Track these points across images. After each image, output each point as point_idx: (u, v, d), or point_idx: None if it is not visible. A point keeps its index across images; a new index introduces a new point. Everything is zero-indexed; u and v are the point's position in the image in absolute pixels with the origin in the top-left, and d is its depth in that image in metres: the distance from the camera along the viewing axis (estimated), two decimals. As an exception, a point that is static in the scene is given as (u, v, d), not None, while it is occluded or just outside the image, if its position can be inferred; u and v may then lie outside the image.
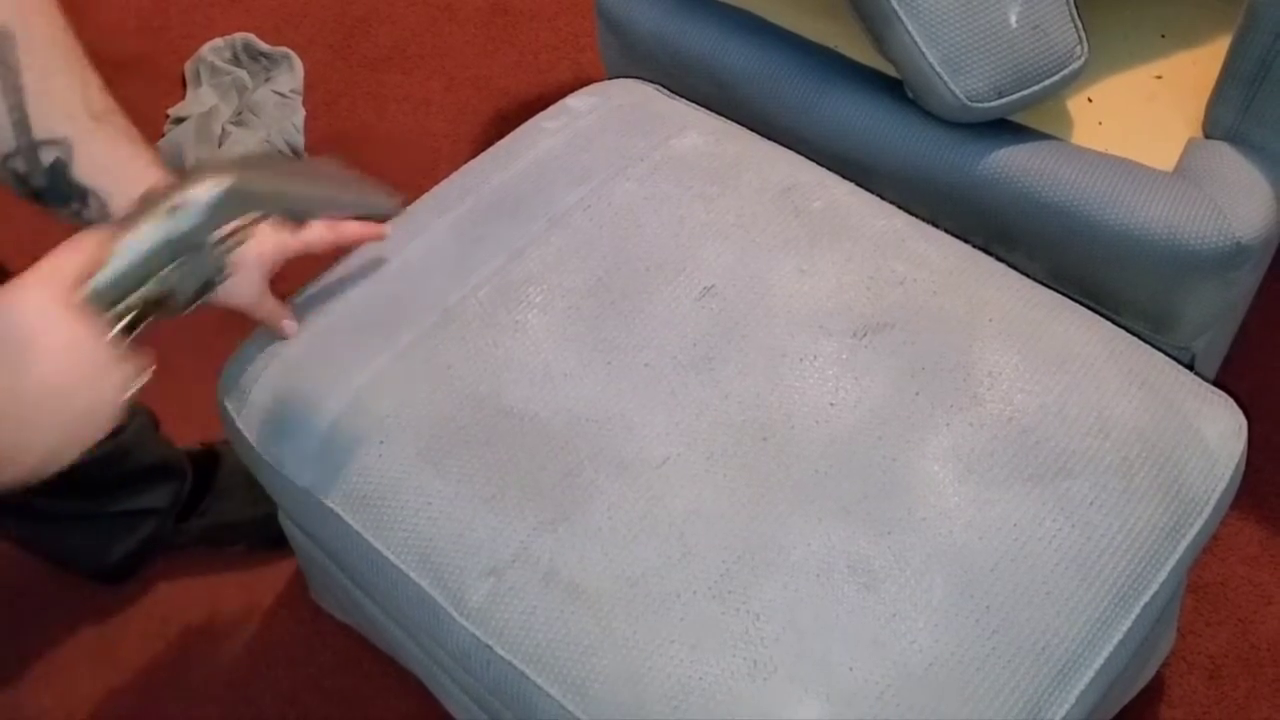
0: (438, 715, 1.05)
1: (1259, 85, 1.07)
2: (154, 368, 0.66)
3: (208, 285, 0.70)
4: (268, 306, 0.91)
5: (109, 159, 0.80)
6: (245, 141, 1.68)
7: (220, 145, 1.68)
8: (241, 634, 1.26)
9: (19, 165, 0.78)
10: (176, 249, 0.66)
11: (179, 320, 1.53)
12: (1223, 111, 1.11)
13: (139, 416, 1.23)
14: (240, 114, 1.74)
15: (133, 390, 0.65)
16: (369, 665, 1.21)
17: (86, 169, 0.79)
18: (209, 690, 1.22)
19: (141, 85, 1.84)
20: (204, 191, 0.66)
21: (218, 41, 1.84)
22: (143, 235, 0.65)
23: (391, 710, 1.19)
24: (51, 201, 0.80)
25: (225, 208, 0.67)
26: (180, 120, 1.72)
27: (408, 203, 0.91)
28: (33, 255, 0.63)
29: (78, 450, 0.62)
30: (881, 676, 0.72)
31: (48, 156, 0.78)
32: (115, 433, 1.19)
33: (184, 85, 1.82)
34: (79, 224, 0.79)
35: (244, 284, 0.87)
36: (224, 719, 1.21)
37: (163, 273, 0.66)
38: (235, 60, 1.82)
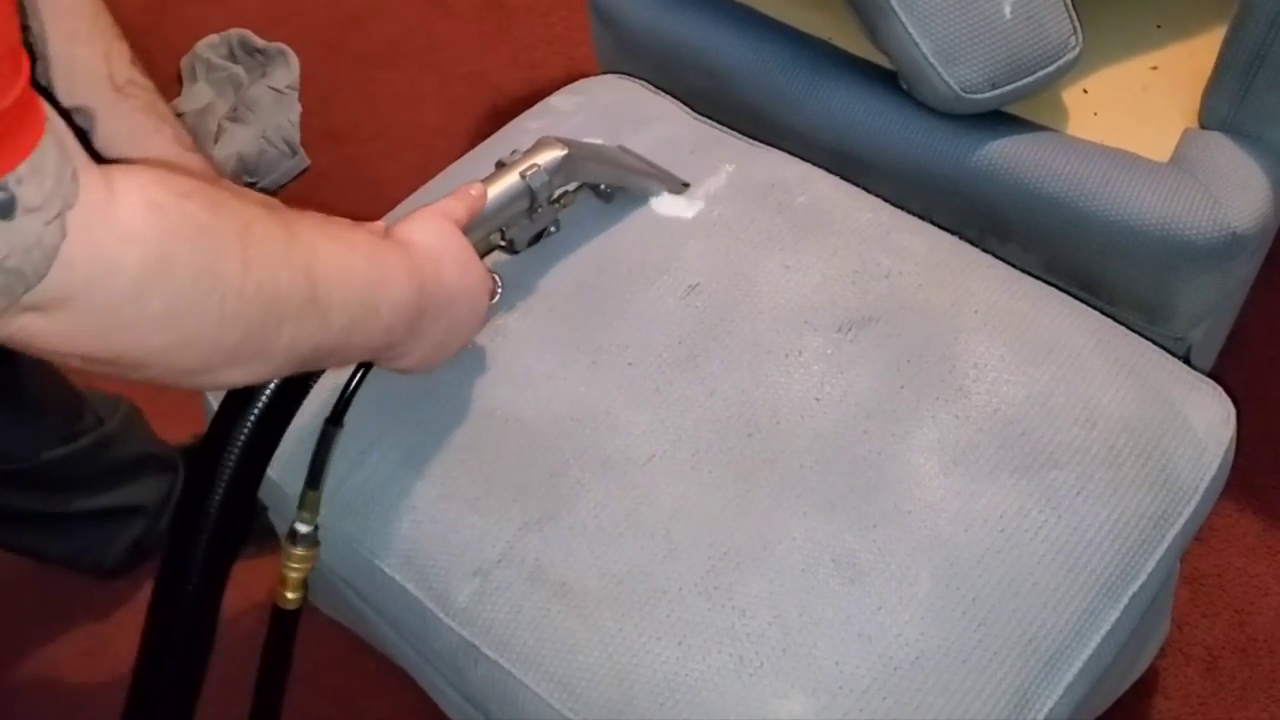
0: (432, 711, 1.05)
1: (1254, 75, 1.06)
2: (502, 286, 0.83)
3: (540, 234, 0.88)
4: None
5: (129, 132, 0.79)
6: (241, 138, 1.68)
7: (216, 142, 1.68)
8: (236, 631, 1.26)
9: None
10: (526, 204, 0.84)
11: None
12: (1218, 102, 1.10)
13: (123, 407, 1.22)
14: (236, 110, 1.74)
15: (495, 302, 0.82)
16: (364, 662, 1.21)
17: (106, 140, 0.78)
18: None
19: (137, 82, 1.84)
20: (547, 158, 0.84)
21: (213, 38, 1.84)
22: (503, 190, 0.82)
23: (387, 706, 1.19)
24: None
25: (561, 173, 0.85)
26: (176, 116, 1.71)
27: (689, 184, 0.96)
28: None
29: (458, 349, 0.79)
30: (868, 670, 0.71)
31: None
32: (99, 422, 1.19)
33: (180, 81, 1.82)
34: None
35: None
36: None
37: (511, 219, 0.84)
38: (231, 56, 1.82)
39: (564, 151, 0.84)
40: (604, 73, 1.33)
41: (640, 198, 0.95)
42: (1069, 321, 0.87)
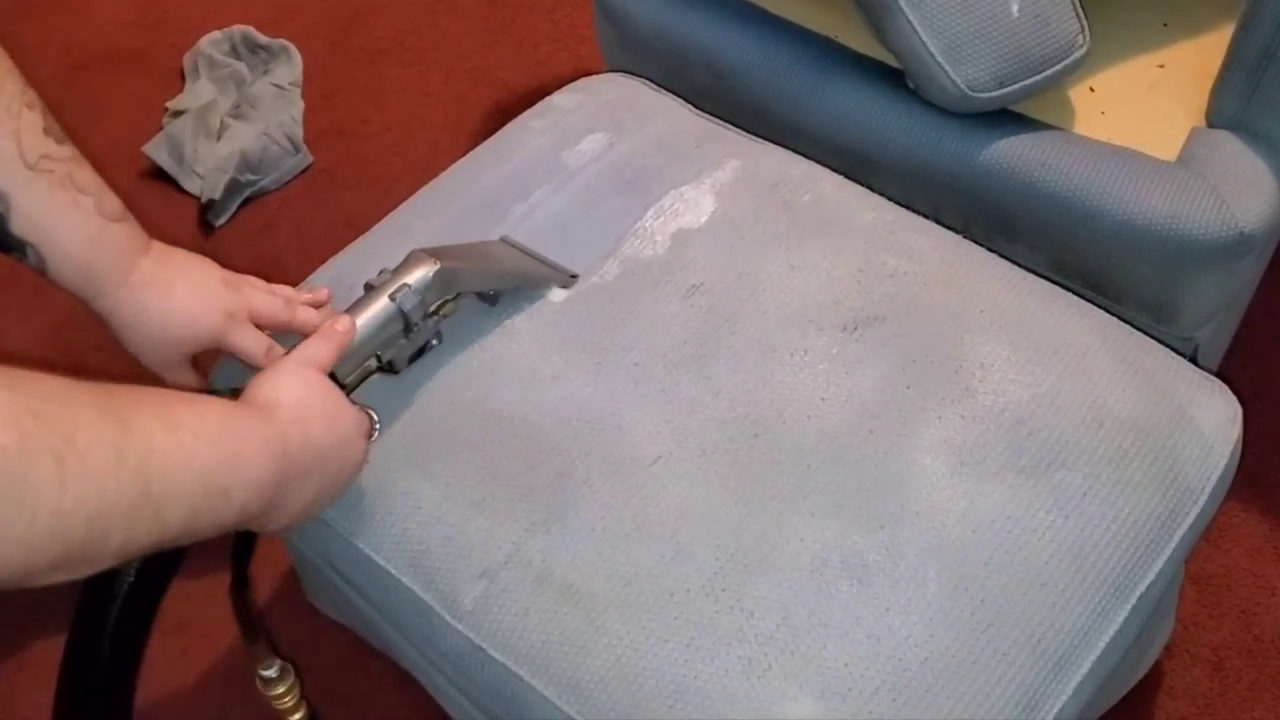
0: (436, 712, 1.05)
1: (1263, 73, 1.06)
2: (379, 422, 0.81)
3: (423, 349, 0.85)
4: (185, 379, 0.89)
5: (45, 212, 0.78)
6: (243, 135, 1.67)
7: (219, 138, 1.68)
8: (237, 630, 1.26)
9: None
10: (398, 327, 0.82)
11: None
12: (1226, 100, 1.10)
13: None
14: (239, 107, 1.73)
15: (374, 440, 0.80)
16: (367, 662, 1.20)
17: (22, 223, 0.77)
18: (204, 685, 1.22)
19: (139, 78, 1.84)
20: (417, 276, 0.81)
21: (216, 34, 1.83)
22: (372, 317, 0.80)
23: (389, 707, 1.19)
24: None
25: (434, 289, 0.82)
26: (179, 113, 1.71)
27: (576, 276, 0.92)
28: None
29: (337, 498, 0.77)
30: (876, 672, 0.71)
31: None
32: None
33: (182, 78, 1.82)
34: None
35: (155, 355, 0.86)
36: (220, 715, 1.21)
37: (386, 343, 0.82)
38: (234, 53, 1.82)
39: (435, 267, 0.82)
40: (609, 70, 1.33)
41: (534, 294, 0.91)
42: (1075, 321, 0.87)
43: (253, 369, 0.86)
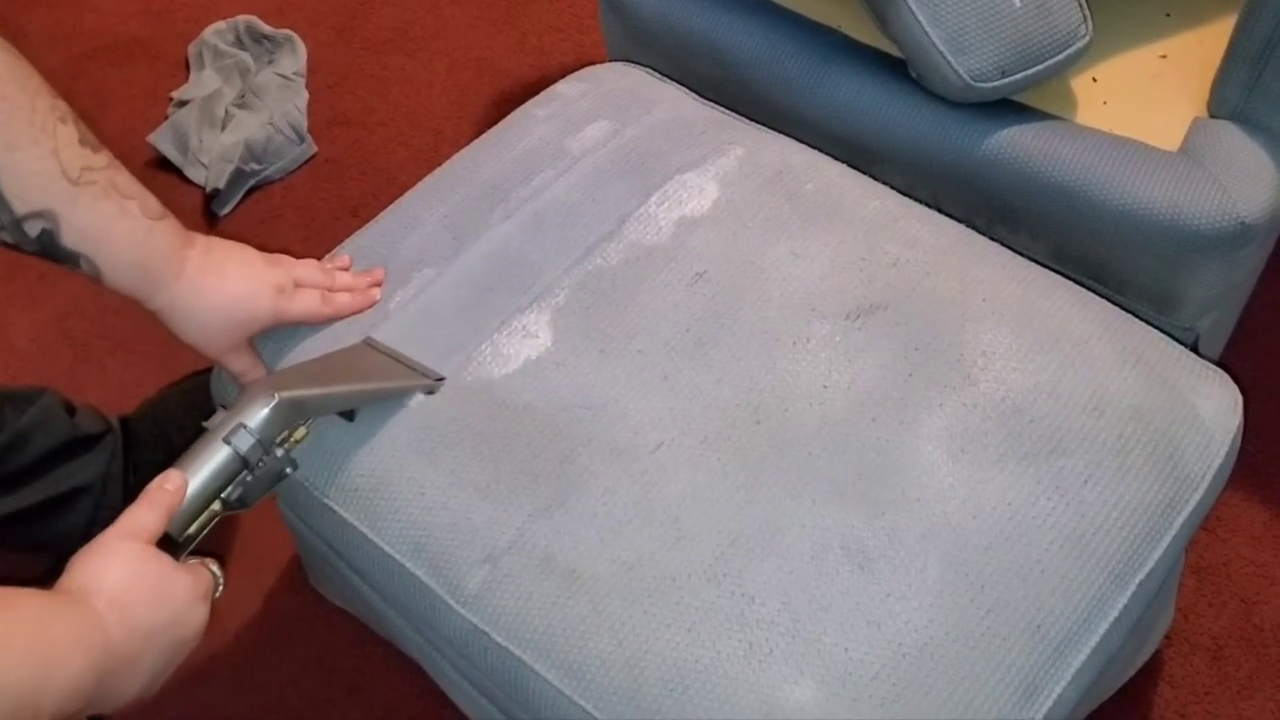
0: (439, 697, 1.06)
1: (1265, 64, 1.06)
2: (223, 571, 0.76)
3: (279, 478, 0.79)
4: (244, 363, 0.91)
5: (93, 223, 0.79)
6: (248, 125, 1.68)
7: (223, 128, 1.68)
8: (245, 615, 1.27)
9: (7, 238, 0.78)
10: (237, 469, 0.75)
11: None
12: (1228, 91, 1.10)
13: (42, 398, 1.20)
14: (243, 96, 1.74)
15: (215, 596, 0.74)
16: (371, 646, 1.21)
17: (72, 236, 0.79)
18: (211, 670, 1.23)
19: (144, 68, 1.84)
20: (255, 417, 0.75)
21: (220, 24, 1.83)
22: (205, 469, 0.73)
23: (394, 690, 1.19)
24: (48, 261, 0.80)
25: (275, 423, 0.76)
26: (183, 103, 1.72)
27: (443, 379, 0.88)
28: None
29: (173, 668, 0.72)
30: (877, 657, 0.72)
31: (34, 228, 0.78)
32: (17, 419, 1.17)
33: (187, 68, 1.82)
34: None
35: (216, 342, 0.88)
36: (227, 700, 1.22)
37: (230, 487, 0.75)
38: (238, 43, 1.82)
39: (273, 402, 0.75)
40: (612, 60, 1.33)
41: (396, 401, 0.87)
42: (1077, 310, 0.87)
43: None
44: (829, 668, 0.71)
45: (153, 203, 0.83)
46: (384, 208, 1.03)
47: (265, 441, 0.75)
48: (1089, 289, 0.91)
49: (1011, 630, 0.73)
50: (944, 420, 0.80)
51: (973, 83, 1.08)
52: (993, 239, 0.94)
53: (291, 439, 0.79)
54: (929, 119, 1.15)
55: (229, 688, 1.22)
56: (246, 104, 1.73)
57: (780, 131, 1.04)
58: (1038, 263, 0.92)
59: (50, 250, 0.79)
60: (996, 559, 0.75)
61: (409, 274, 0.94)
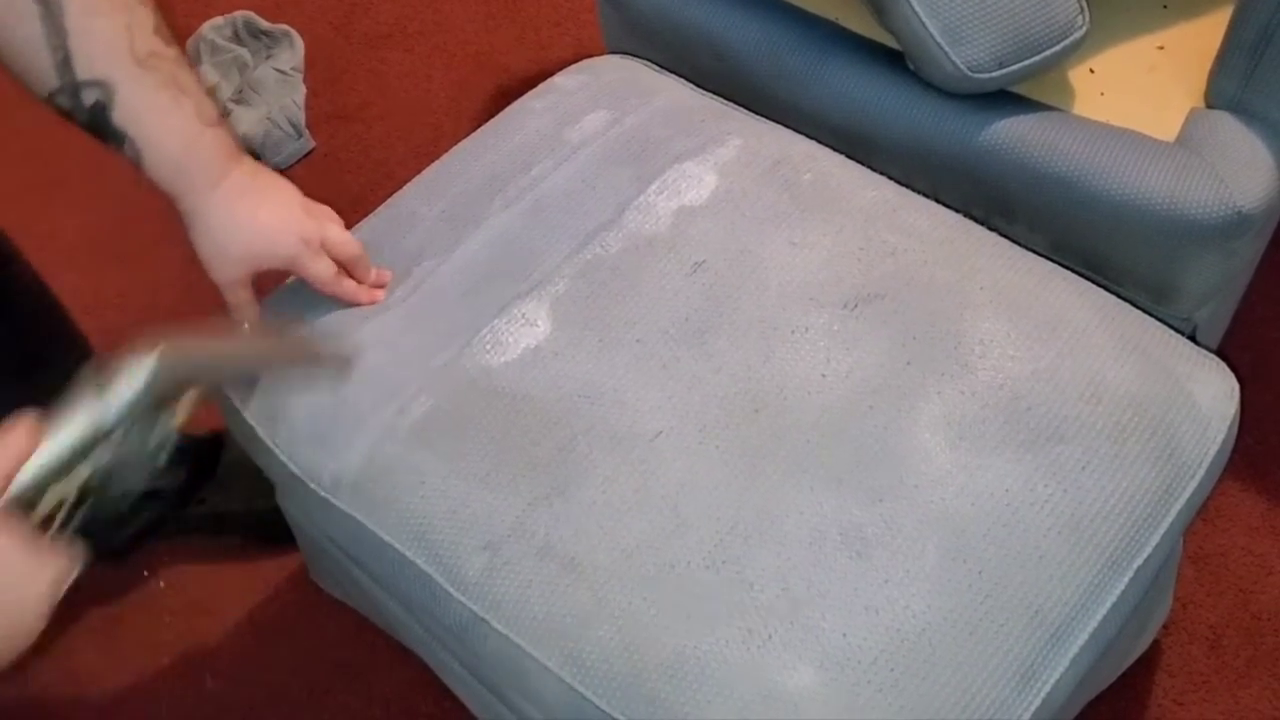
0: (439, 687, 1.06)
1: (1261, 55, 1.06)
2: (85, 560, 0.62)
3: (152, 462, 0.67)
4: (241, 296, 0.89)
5: (146, 107, 0.79)
6: (246, 120, 1.68)
7: (222, 123, 1.68)
8: (245, 608, 1.27)
9: (63, 102, 0.78)
10: (102, 437, 0.63)
11: (182, 303, 1.54)
12: (1225, 81, 1.10)
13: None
14: (241, 92, 1.74)
15: (66, 586, 0.60)
16: (371, 637, 1.21)
17: (124, 114, 0.79)
18: (213, 663, 1.23)
19: (144, 64, 1.84)
20: (128, 378, 0.64)
21: (218, 20, 1.83)
22: (66, 428, 0.62)
23: (394, 680, 1.20)
24: (95, 137, 0.80)
25: (154, 388, 0.65)
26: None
27: (350, 359, 0.86)
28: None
29: (5, 658, 0.59)
30: (875, 642, 0.72)
31: (89, 97, 0.78)
32: None
33: (186, 64, 1.82)
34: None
35: (226, 266, 0.86)
36: (228, 691, 1.22)
37: (93, 459, 0.63)
38: (236, 38, 1.82)
39: (152, 364, 0.65)
40: (611, 53, 1.33)
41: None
42: (1074, 298, 0.87)
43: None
44: (827, 653, 0.72)
45: (209, 109, 0.83)
46: (382, 202, 1.03)
47: (135, 405, 0.64)
48: (1086, 279, 0.91)
49: (1009, 616, 0.73)
50: (942, 408, 0.80)
51: (970, 74, 1.09)
52: (990, 229, 0.94)
53: (169, 415, 0.68)
54: (926, 110, 1.15)
55: (229, 680, 1.23)
56: (244, 99, 1.73)
57: (778, 123, 1.04)
58: (1034, 252, 0.92)
59: (99, 124, 0.79)
60: (994, 545, 0.75)
61: (409, 268, 0.94)
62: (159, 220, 1.56)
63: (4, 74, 0.78)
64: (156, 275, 1.56)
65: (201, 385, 0.71)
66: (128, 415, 0.64)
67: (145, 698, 1.23)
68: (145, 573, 1.31)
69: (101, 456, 0.64)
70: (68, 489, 0.62)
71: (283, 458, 0.89)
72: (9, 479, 0.59)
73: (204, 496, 1.28)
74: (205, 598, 1.29)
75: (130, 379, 0.64)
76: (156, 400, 0.66)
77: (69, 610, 1.30)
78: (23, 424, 0.61)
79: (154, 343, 0.66)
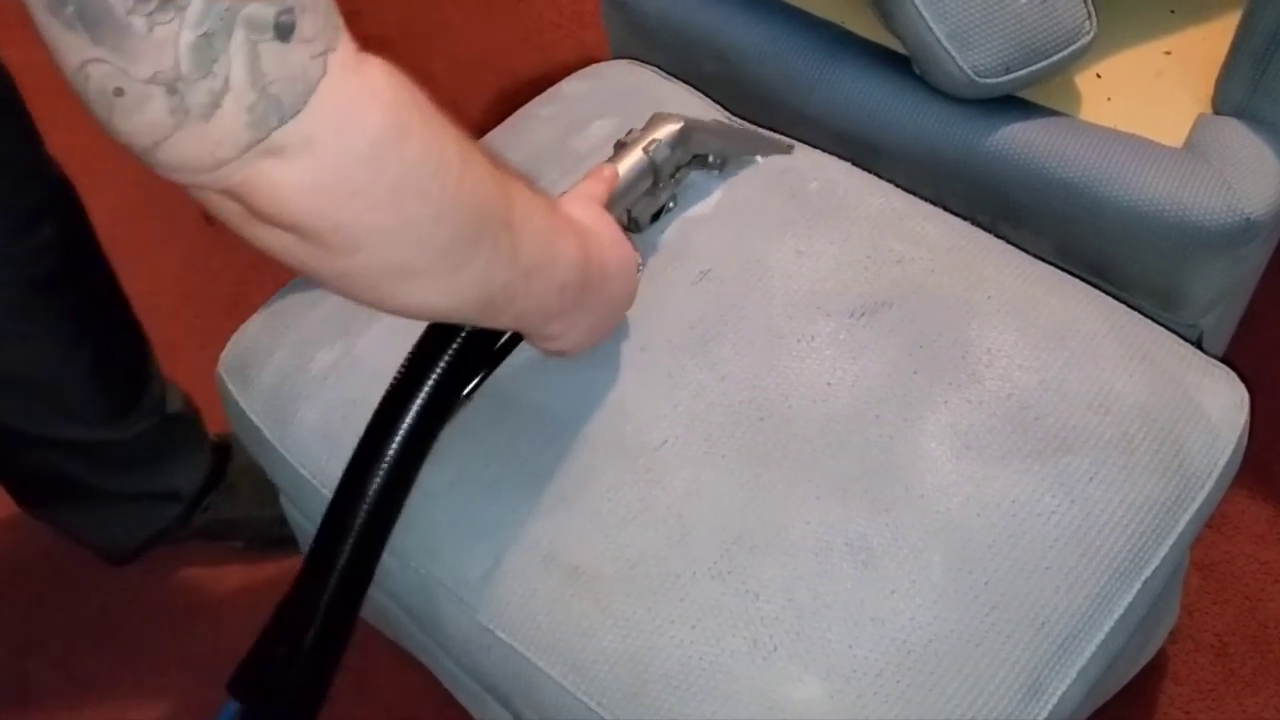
0: (442, 695, 1.06)
1: (1269, 61, 1.06)
2: (643, 264, 0.83)
3: (661, 210, 0.91)
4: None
5: None
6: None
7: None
8: (245, 611, 1.26)
9: None
10: (648, 180, 0.86)
11: (184, 303, 1.53)
12: (1232, 87, 1.10)
13: (180, 391, 1.21)
14: (245, 94, 1.73)
15: (639, 274, 0.81)
16: (373, 646, 1.21)
17: None
18: (212, 666, 1.22)
19: (147, 66, 1.84)
20: (666, 132, 0.86)
21: (222, 21, 1.83)
22: (630, 168, 0.84)
23: (396, 684, 1.20)
24: None
25: (680, 147, 0.87)
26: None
27: (794, 145, 0.99)
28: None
29: (612, 329, 0.82)
30: (881, 654, 0.72)
31: None
32: (161, 402, 1.18)
33: (189, 66, 1.82)
34: None
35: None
36: (228, 696, 1.21)
37: (636, 198, 0.86)
38: (240, 40, 1.82)
39: (680, 124, 0.87)
40: (615, 56, 1.33)
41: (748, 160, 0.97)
42: (1082, 307, 0.87)
43: None
44: (833, 665, 0.71)
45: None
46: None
47: (673, 160, 0.86)
48: (1093, 286, 0.90)
49: (1016, 627, 0.73)
50: (949, 417, 0.80)
51: (977, 79, 1.08)
52: (997, 236, 0.94)
53: (677, 176, 0.89)
54: (933, 115, 1.15)
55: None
56: (248, 101, 1.73)
57: (783, 129, 1.03)
58: (1042, 260, 0.91)
59: None
60: (1001, 556, 0.75)
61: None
62: (159, 220, 1.57)
63: None
64: (157, 276, 1.56)
65: (701, 153, 0.91)
66: (665, 165, 0.86)
67: (145, 700, 1.22)
68: (147, 576, 1.31)
69: (638, 197, 0.86)
70: (619, 214, 0.84)
71: (291, 460, 0.89)
72: (612, 187, 0.81)
73: (209, 503, 1.28)
74: (205, 598, 1.29)
75: (665, 139, 0.86)
76: (677, 159, 0.87)
77: (69, 610, 1.30)
78: (606, 167, 0.83)
79: (675, 115, 0.87)
